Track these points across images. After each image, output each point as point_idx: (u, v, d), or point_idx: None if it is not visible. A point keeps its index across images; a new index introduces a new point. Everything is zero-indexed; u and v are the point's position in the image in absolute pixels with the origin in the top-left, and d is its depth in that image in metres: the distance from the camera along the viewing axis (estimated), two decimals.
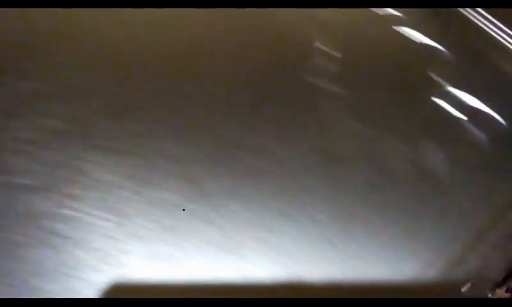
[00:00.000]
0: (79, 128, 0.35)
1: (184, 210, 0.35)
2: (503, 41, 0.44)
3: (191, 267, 0.33)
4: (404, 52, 0.44)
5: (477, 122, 0.41)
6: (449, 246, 0.37)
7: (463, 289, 0.38)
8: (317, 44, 0.42)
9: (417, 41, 0.44)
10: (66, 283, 0.32)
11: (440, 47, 0.43)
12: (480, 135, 0.41)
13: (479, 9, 0.44)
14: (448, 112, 0.41)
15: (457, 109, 0.42)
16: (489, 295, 0.39)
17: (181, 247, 0.34)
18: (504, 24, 0.44)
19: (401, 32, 0.44)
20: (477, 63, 0.44)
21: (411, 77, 0.43)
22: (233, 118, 0.38)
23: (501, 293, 0.39)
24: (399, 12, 0.43)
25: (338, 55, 0.42)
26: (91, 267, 0.33)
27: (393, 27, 0.44)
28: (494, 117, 0.42)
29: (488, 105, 0.42)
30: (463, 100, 0.42)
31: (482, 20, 0.44)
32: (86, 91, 0.37)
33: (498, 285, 0.39)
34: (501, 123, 0.41)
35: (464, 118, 0.41)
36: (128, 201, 0.34)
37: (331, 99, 0.40)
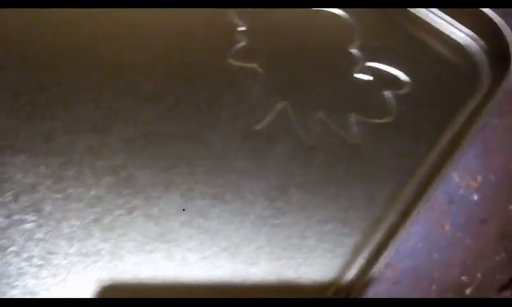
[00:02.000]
0: None
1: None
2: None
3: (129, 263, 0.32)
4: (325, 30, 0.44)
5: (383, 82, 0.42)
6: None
7: (467, 291, 0.38)
8: (236, 24, 0.42)
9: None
10: None
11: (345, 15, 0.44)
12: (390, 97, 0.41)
13: None
14: (358, 76, 0.42)
15: (365, 72, 0.42)
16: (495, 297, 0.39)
17: (116, 244, 0.32)
18: None
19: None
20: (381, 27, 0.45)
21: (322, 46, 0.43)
22: (153, 105, 0.37)
23: (506, 295, 0.39)
24: None
25: (257, 35, 0.42)
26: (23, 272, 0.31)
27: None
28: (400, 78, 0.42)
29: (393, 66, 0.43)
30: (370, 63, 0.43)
31: None
32: None
33: (504, 287, 0.39)
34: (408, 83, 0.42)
35: (371, 79, 0.42)
36: (49, 200, 0.32)
37: (252, 79, 0.40)
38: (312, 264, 0.34)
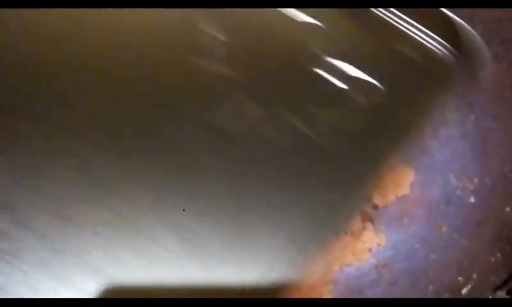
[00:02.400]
0: None
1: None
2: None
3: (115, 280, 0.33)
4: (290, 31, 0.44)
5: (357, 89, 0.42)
6: None
7: (464, 291, 0.38)
8: (204, 28, 0.42)
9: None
10: None
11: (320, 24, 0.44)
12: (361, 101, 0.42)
13: None
14: (332, 83, 0.42)
15: (339, 79, 0.43)
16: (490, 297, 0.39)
17: (101, 260, 0.33)
18: None
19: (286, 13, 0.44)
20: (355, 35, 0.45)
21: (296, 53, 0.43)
22: (120, 104, 0.37)
23: (501, 295, 0.39)
24: None
25: (225, 37, 0.42)
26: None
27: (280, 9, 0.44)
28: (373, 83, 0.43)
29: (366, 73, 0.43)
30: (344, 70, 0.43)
31: None
32: None
33: (499, 288, 0.39)
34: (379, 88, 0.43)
35: (346, 87, 0.42)
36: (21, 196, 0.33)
37: (231, 86, 0.40)
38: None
